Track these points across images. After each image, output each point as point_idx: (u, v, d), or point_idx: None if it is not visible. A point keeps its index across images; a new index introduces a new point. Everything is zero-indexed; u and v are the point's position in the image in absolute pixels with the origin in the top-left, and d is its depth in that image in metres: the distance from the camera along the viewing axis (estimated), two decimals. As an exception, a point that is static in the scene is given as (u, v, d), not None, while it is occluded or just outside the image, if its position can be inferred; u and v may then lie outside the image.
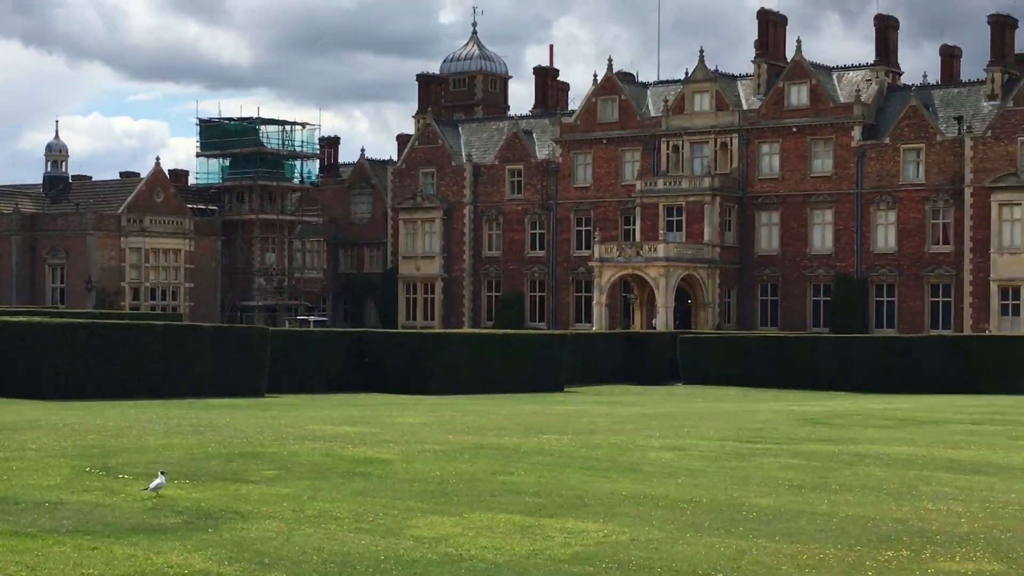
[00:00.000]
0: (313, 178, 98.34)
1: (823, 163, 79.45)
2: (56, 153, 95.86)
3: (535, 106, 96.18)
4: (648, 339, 57.88)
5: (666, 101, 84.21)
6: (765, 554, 11.83)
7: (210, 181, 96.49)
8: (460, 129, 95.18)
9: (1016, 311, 72.71)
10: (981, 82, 78.37)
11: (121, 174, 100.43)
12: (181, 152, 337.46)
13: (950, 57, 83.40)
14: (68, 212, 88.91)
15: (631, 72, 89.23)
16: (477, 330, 68.43)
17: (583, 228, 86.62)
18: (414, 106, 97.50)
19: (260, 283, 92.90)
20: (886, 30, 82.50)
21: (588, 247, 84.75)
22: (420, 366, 42.96)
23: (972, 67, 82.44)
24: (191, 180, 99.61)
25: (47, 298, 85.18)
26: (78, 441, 21.97)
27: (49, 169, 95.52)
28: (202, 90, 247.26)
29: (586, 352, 52.39)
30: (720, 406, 37.39)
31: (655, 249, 78.28)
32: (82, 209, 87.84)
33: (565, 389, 46.52)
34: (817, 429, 27.81)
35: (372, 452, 20.67)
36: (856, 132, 78.26)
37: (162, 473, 16.90)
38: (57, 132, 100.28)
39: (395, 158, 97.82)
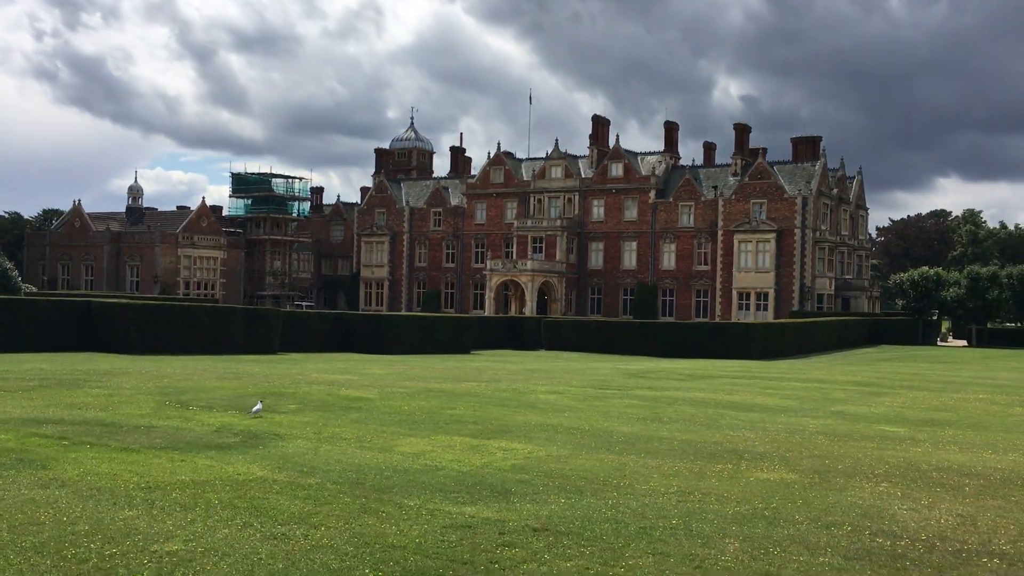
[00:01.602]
0: (306, 213, 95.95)
1: (631, 212, 79.56)
2: (135, 192, 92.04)
3: (450, 171, 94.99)
4: (523, 321, 57.15)
5: (534, 171, 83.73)
6: (638, 466, 11.16)
7: (237, 213, 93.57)
8: (402, 185, 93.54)
9: (747, 307, 73.64)
10: (728, 164, 79.28)
11: (177, 207, 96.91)
12: (215, 194, 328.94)
13: (710, 149, 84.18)
14: (142, 231, 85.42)
15: (511, 151, 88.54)
16: (417, 313, 66.97)
17: (480, 250, 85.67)
18: (371, 169, 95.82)
19: (270, 280, 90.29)
20: (671, 131, 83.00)
21: (482, 262, 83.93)
22: (380, 335, 41.74)
23: (724, 155, 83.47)
24: (224, 212, 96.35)
25: (127, 288, 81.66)
26: (156, 383, 20.53)
27: (130, 202, 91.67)
28: (230, 155, 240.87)
29: (483, 328, 51.52)
30: (573, 364, 36.84)
31: (525, 264, 77.79)
32: (152, 230, 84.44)
33: (471, 352, 45.64)
34: (639, 380, 27.32)
35: (359, 393, 19.62)
36: (652, 194, 78.56)
37: (260, 401, 15.83)
38: (136, 178, 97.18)
39: (359, 201, 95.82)
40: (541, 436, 13.73)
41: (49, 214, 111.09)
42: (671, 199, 77.75)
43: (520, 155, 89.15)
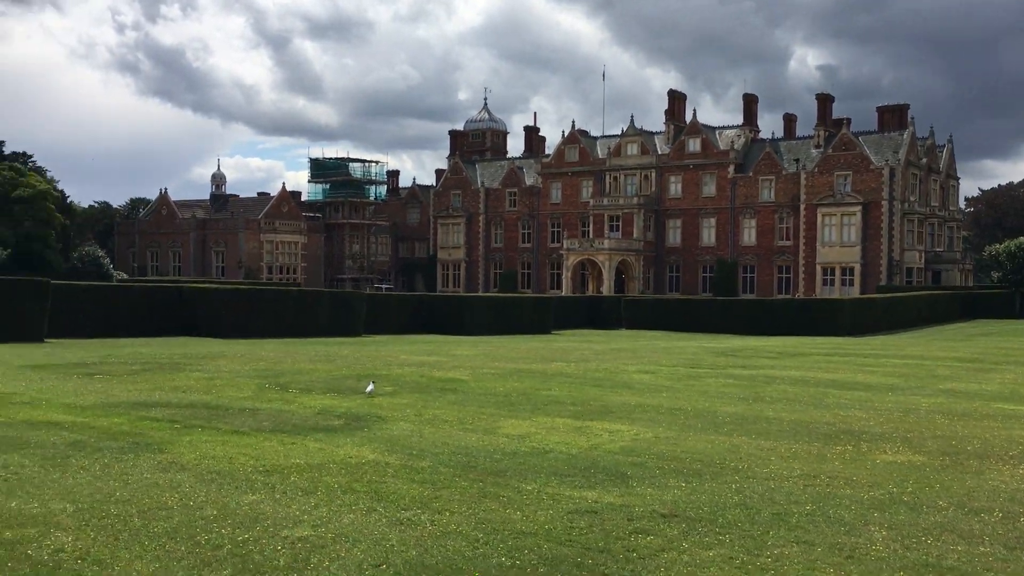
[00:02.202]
0: (383, 196, 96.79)
1: (709, 188, 78.17)
2: (218, 179, 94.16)
3: (524, 150, 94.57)
4: (602, 300, 56.67)
5: (609, 148, 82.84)
6: (753, 448, 10.75)
7: (316, 198, 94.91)
8: (477, 166, 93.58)
9: (831, 283, 71.82)
10: (810, 136, 77.16)
11: (258, 193, 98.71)
12: (293, 180, 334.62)
13: (790, 121, 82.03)
14: (226, 218, 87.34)
15: (585, 129, 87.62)
16: (496, 294, 67.04)
17: (556, 229, 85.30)
18: (444, 151, 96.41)
19: (349, 264, 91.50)
20: (750, 103, 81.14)
21: (558, 241, 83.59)
22: (461, 317, 41.83)
23: (804, 127, 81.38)
24: (303, 197, 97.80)
25: (213, 273, 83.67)
26: (253, 366, 20.79)
27: (213, 190, 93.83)
28: (306, 141, 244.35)
29: (562, 308, 51.20)
30: (657, 343, 36.30)
31: (602, 243, 77.18)
32: (235, 216, 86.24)
33: (552, 332, 45.43)
34: (730, 359, 26.72)
35: (451, 374, 19.54)
36: (731, 169, 77.02)
37: (372, 382, 15.90)
38: (219, 166, 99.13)
39: (434, 184, 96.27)
40: (643, 417, 13.41)
41: (136, 203, 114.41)
42: (751, 173, 76.08)
43: (594, 133, 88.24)
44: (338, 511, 7.10)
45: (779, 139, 79.18)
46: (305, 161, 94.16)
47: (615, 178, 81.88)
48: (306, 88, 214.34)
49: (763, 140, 79.21)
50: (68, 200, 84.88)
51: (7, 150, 76.64)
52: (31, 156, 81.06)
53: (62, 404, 13.35)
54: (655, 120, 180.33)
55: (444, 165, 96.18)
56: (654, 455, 10.19)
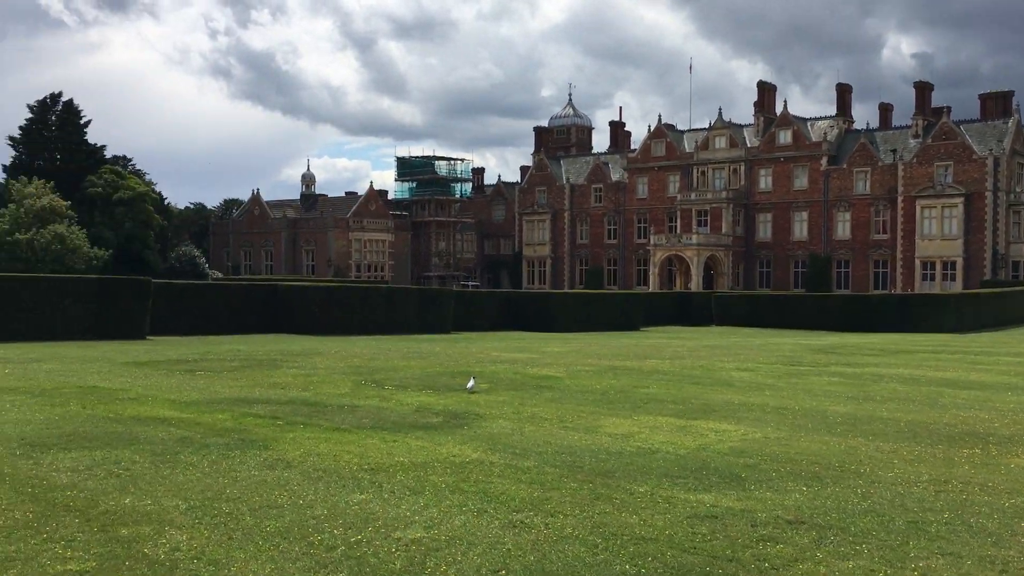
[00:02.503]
0: (468, 194, 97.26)
1: (801, 181, 76.17)
2: (308, 180, 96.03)
3: (610, 146, 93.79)
4: (691, 296, 55.70)
5: (696, 142, 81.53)
6: (871, 450, 10.20)
7: (402, 196, 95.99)
8: (562, 162, 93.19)
9: (932, 277, 69.20)
10: (908, 126, 74.47)
11: (346, 193, 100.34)
12: (378, 179, 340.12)
13: (885, 110, 79.28)
14: (316, 217, 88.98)
15: (671, 123, 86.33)
16: (584, 291, 66.47)
17: (642, 225, 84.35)
18: (527, 149, 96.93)
19: (435, 261, 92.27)
20: (844, 93, 78.76)
21: (644, 237, 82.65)
22: (549, 313, 41.57)
23: (899, 117, 78.60)
24: (390, 196, 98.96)
25: (304, 271, 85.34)
26: (347, 363, 20.92)
27: (304, 190, 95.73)
28: (392, 141, 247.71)
29: (650, 304, 50.42)
30: (751, 340, 35.39)
31: (690, 238, 75.99)
32: (325, 215, 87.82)
33: (640, 329, 44.81)
34: (830, 356, 25.84)
35: (546, 371, 19.31)
36: (823, 161, 74.87)
37: (473, 378, 15.87)
38: (308, 167, 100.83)
39: (519, 180, 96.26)
40: (749, 416, 12.92)
41: (230, 204, 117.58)
42: (845, 165, 73.82)
43: (680, 127, 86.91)
44: (448, 512, 6.91)
45: (874, 129, 76.64)
46: (391, 160, 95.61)
47: (703, 172, 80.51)
48: (391, 88, 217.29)
49: (857, 131, 76.77)
50: (166, 202, 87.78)
51: (108, 154, 79.54)
52: (131, 159, 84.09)
53: (167, 400, 13.57)
54: (741, 113, 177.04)
55: (528, 162, 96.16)
56: (767, 456, 9.75)
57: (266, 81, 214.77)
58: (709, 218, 77.88)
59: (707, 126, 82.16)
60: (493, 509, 7.02)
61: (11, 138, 75.30)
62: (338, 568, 5.52)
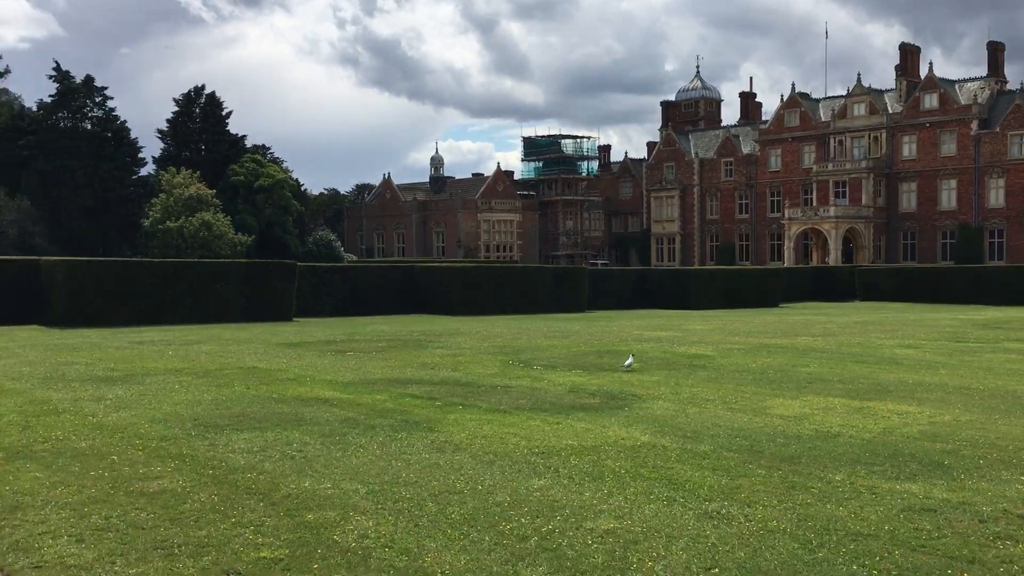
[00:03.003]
0: (595, 172, 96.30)
1: (948, 147, 71.82)
2: (436, 163, 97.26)
3: (740, 119, 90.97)
4: (832, 271, 53.39)
5: (833, 110, 77.96)
6: (1084, 435, 9.21)
7: (528, 176, 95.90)
8: (690, 136, 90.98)
9: (1097, 246, 64.19)
10: (1069, 84, 69.08)
11: (472, 174, 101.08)
12: (502, 160, 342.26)
13: (1042, 68, 73.80)
14: (445, 199, 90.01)
15: (806, 92, 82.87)
16: (721, 267, 64.68)
17: (775, 198, 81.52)
18: (650, 125, 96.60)
19: (563, 240, 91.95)
20: (996, 52, 73.66)
21: (777, 211, 79.94)
22: (685, 290, 40.58)
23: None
24: (516, 176, 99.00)
25: (434, 253, 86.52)
26: (491, 343, 20.80)
27: (432, 172, 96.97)
28: (514, 121, 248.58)
29: (788, 280, 48.54)
30: (904, 315, 33.50)
31: (828, 210, 72.98)
32: (453, 197, 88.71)
33: (779, 305, 43.22)
34: (998, 332, 24.10)
35: (695, 350, 18.64)
36: (974, 125, 70.32)
37: (632, 355, 15.60)
38: (436, 149, 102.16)
39: (646, 157, 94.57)
40: (930, 397, 11.98)
41: (361, 189, 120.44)
42: (998, 129, 69.14)
43: (814, 96, 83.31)
44: (636, 500, 6.50)
45: (1031, 89, 71.46)
46: (515, 141, 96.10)
47: (840, 141, 77.02)
48: (513, 69, 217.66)
49: (1011, 91, 71.73)
50: (302, 188, 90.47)
51: (248, 143, 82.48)
52: (269, 148, 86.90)
53: (325, 380, 13.67)
54: (877, 79, 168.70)
55: (652, 138, 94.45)
56: (965, 441, 8.91)
57: (392, 67, 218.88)
58: (848, 189, 74.52)
59: (844, 93, 78.45)
60: (683, 498, 6.57)
61: (159, 131, 79.02)
62: (536, 560, 5.19)
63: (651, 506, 6.33)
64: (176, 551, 5.41)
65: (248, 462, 7.85)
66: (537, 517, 6.03)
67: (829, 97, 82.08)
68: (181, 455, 8.18)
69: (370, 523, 5.91)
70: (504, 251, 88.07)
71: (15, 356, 17.02)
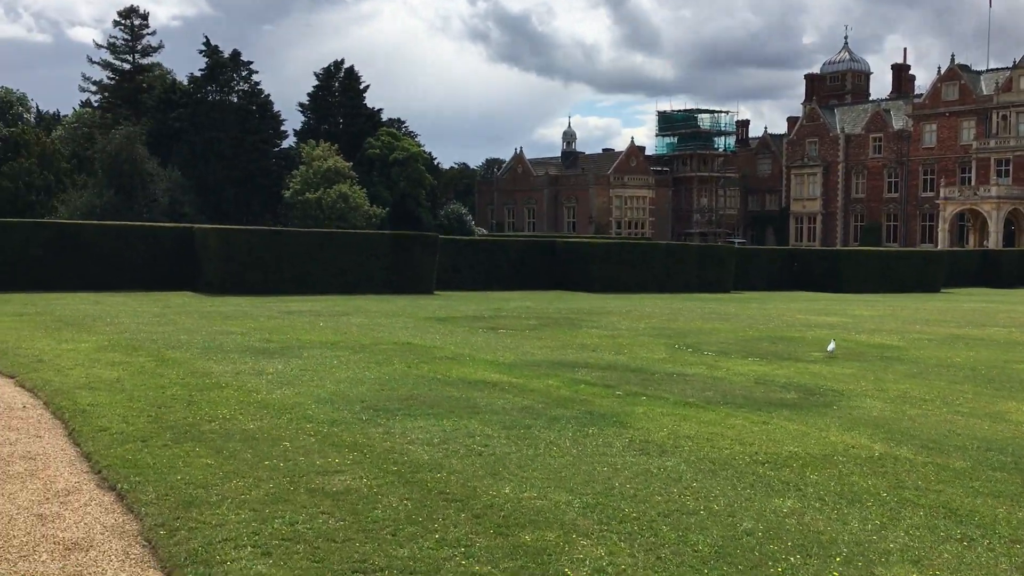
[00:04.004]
0: (731, 148, 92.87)
1: None
2: (568, 137, 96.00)
3: (891, 92, 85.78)
4: (1001, 255, 49.38)
5: (997, 83, 72.37)
6: None
7: (662, 152, 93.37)
8: (835, 111, 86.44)
9: None
10: None
11: (603, 150, 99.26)
12: (628, 138, 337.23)
13: None
14: (577, 174, 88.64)
15: (966, 64, 77.23)
16: (878, 248, 60.78)
17: (928, 177, 76.62)
18: (785, 101, 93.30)
19: (697, 218, 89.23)
20: None
21: (930, 190, 75.14)
22: (837, 272, 38.08)
23: None
24: (648, 152, 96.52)
25: (564, 228, 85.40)
26: (645, 323, 19.54)
27: (564, 147, 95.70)
28: (643, 97, 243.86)
29: (953, 264, 45.12)
30: (1092, 306, 30.21)
31: (989, 190, 67.93)
32: (586, 172, 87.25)
33: (940, 290, 40.14)
34: None
35: (878, 339, 16.84)
36: None
37: (833, 340, 14.48)
38: (569, 124, 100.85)
39: (786, 133, 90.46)
40: None
41: (491, 163, 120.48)
42: None
43: (976, 68, 77.61)
44: (921, 537, 5.22)
45: None
46: (642, 117, 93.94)
47: (1004, 117, 71.46)
48: (643, 43, 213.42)
49: None
50: (436, 162, 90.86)
51: (384, 117, 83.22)
52: (404, 122, 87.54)
53: (485, 361, 12.78)
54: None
55: (788, 115, 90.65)
56: None
57: (522, 42, 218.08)
58: (1011, 168, 69.16)
59: (1011, 64, 72.64)
60: (981, 536, 5.25)
61: (300, 104, 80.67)
62: (837, 625, 4.01)
63: (947, 547, 5.05)
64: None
65: (432, 457, 6.94)
66: (809, 556, 4.84)
67: (992, 70, 76.29)
68: (356, 444, 7.36)
69: (601, 551, 4.86)
70: (636, 228, 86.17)
71: (172, 323, 16.89)
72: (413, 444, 7.40)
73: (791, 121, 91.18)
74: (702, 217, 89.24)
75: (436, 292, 29.85)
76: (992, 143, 70.50)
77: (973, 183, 70.76)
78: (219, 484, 6.07)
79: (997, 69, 75.71)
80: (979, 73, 76.59)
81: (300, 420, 8.33)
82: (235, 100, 76.05)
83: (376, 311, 21.27)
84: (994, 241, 66.28)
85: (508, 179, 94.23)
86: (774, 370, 12.60)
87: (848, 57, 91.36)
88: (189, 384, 10.17)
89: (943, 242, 69.66)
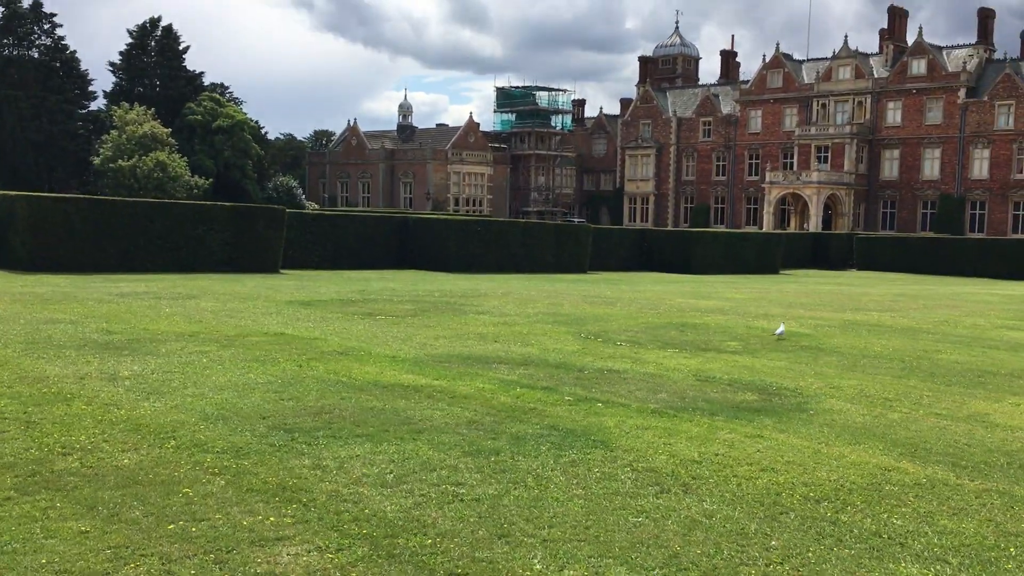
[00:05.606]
0: (569, 127, 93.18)
1: (934, 115, 70.27)
2: (404, 110, 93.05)
3: (720, 78, 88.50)
4: (830, 239, 51.60)
5: (817, 72, 75.91)
6: None
7: (500, 129, 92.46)
8: (668, 94, 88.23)
9: (1080, 223, 63.49)
10: (1059, 57, 67.84)
11: (437, 124, 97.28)
12: (456, 114, 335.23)
13: (1030, 39, 72.41)
14: (415, 148, 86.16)
15: (788, 53, 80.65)
16: (724, 230, 61.98)
17: (754, 161, 79.50)
18: (608, 84, 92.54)
19: (535, 196, 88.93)
20: (985, 19, 72.02)
21: (755, 174, 78.01)
22: (686, 254, 38.32)
23: (1047, 47, 71.53)
24: (484, 128, 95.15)
25: (401, 204, 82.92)
26: (532, 308, 18.10)
27: (400, 120, 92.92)
28: (471, 74, 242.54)
29: (788, 246, 46.62)
30: (930, 288, 31.51)
31: (810, 176, 71.21)
32: (424, 147, 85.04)
33: (780, 272, 41.31)
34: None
35: (777, 326, 16.05)
36: (961, 93, 68.78)
37: (782, 323, 13.85)
38: (406, 96, 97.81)
39: (620, 114, 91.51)
40: None
41: (320, 135, 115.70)
42: (985, 98, 67.73)
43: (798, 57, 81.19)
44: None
45: (1019, 59, 70.03)
46: (469, 94, 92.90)
47: (823, 105, 75.11)
48: (472, 19, 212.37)
49: (1000, 61, 70.30)
50: (263, 131, 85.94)
51: (207, 81, 77.75)
52: (228, 87, 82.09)
53: (384, 356, 10.93)
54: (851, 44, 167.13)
55: (610, 98, 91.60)
56: None
57: (347, 12, 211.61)
58: (830, 154, 72.79)
59: (831, 55, 76.41)
60: None
61: (111, 64, 73.89)
62: None
63: None
64: None
65: (401, 508, 5.16)
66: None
67: (813, 59, 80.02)
68: (285, 488, 5.45)
69: None
70: (474, 205, 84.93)
71: (-22, 310, 13.92)
72: (362, 485, 5.57)
73: (624, 103, 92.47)
74: (540, 195, 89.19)
75: (282, 271, 27.36)
76: (812, 130, 73.94)
77: (796, 168, 74.03)
78: (111, 574, 4.05)
79: (817, 59, 79.45)
80: (800, 62, 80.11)
81: (191, 449, 6.29)
82: (35, 55, 68.71)
83: (225, 293, 18.77)
84: (814, 224, 69.59)
85: (342, 152, 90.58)
86: (704, 364, 11.47)
87: (679, 41, 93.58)
88: (21, 395, 7.80)
89: (768, 225, 72.55)
